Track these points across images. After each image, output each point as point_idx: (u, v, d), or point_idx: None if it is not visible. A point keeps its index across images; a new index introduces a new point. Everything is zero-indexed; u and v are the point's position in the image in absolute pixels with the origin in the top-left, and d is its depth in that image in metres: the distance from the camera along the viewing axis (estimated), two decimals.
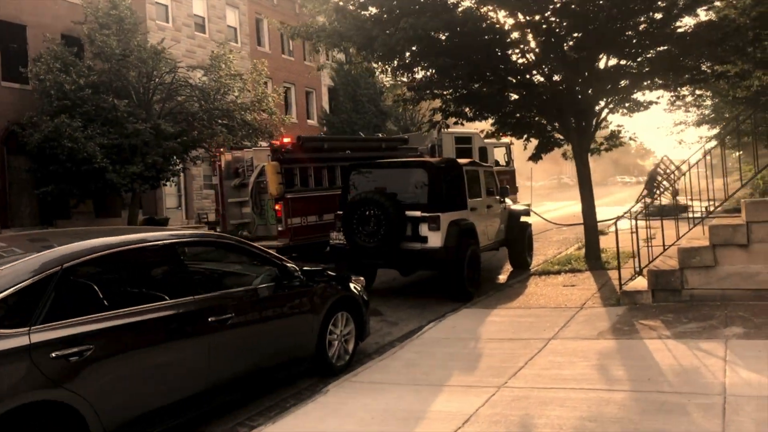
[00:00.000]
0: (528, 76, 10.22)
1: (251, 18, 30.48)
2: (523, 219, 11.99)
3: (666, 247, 7.66)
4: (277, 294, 5.30)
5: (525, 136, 11.44)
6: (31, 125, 18.42)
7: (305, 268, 6.08)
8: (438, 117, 11.24)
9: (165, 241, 4.72)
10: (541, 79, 10.40)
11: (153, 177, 19.77)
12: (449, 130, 15.99)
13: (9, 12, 19.80)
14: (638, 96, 11.16)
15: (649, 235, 8.57)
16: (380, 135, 23.16)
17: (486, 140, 15.30)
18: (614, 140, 11.54)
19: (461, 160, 10.12)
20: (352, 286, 6.52)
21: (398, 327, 7.92)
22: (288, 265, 5.42)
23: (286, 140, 13.09)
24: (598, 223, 11.04)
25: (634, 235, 8.03)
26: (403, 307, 9.02)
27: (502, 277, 11.36)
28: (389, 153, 15.25)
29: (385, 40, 8.28)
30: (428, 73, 9.46)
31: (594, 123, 10.73)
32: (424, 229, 8.90)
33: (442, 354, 5.99)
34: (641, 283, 7.51)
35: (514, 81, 10.45)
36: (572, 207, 22.88)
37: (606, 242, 11.29)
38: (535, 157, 11.64)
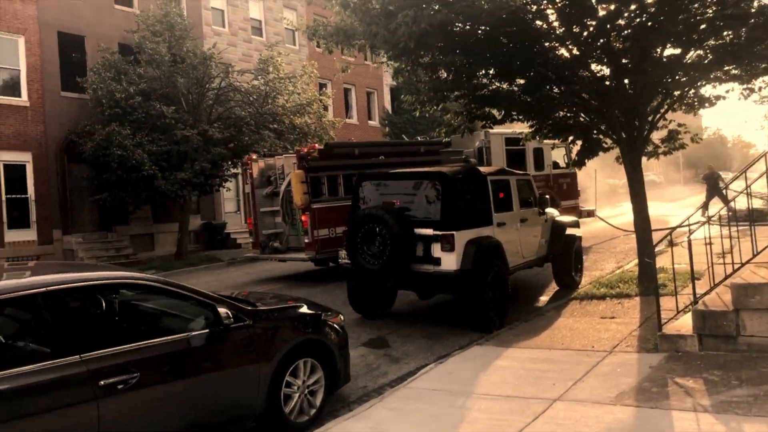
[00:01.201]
0: (567, 72, 8.87)
1: (309, 19, 29.95)
2: (570, 232, 10.61)
3: (731, 272, 6.18)
4: (207, 344, 4.46)
5: (569, 138, 10.04)
6: (85, 134, 18.77)
7: (260, 306, 5.24)
8: (451, 118, 10.03)
9: (60, 286, 3.98)
10: (585, 73, 8.99)
11: (202, 183, 19.68)
12: (498, 130, 14.72)
13: (68, 24, 20.27)
14: (704, 90, 9.49)
15: (724, 250, 6.94)
16: (420, 138, 22.01)
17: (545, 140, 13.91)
18: (673, 142, 9.91)
19: (485, 169, 8.93)
20: (327, 324, 5.61)
21: (398, 365, 6.92)
22: (221, 310, 4.57)
23: (312, 147, 12.35)
24: (661, 231, 9.42)
25: (707, 247, 6.46)
26: (415, 337, 8.00)
27: (543, 299, 10.05)
28: (428, 158, 14.21)
29: (386, 37, 7.28)
30: (446, 73, 8.32)
31: (647, 123, 9.21)
32: (436, 250, 7.83)
33: (420, 415, 4.96)
34: (688, 323, 6.10)
35: (554, 77, 9.12)
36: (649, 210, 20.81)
37: (676, 256, 9.61)
38: (579, 163, 10.20)
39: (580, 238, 10.92)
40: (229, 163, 20.41)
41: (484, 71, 8.36)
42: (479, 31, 8.25)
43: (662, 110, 9.33)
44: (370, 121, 33.08)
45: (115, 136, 17.82)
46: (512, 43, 8.41)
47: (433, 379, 5.85)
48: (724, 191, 20.37)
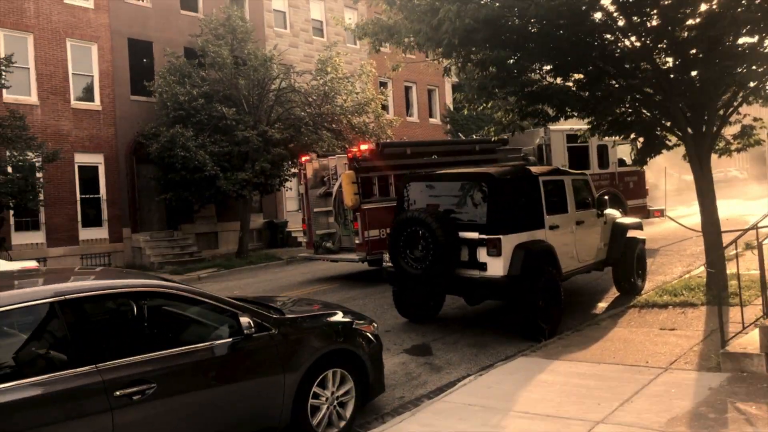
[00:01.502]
0: (628, 66, 8.30)
1: (370, 18, 30.02)
2: (631, 234, 9.98)
3: None
4: (227, 354, 4.37)
5: (630, 135, 9.41)
6: (151, 136, 19.45)
7: (288, 314, 5.12)
8: (502, 116, 9.59)
9: (81, 294, 3.98)
10: (647, 66, 8.38)
11: (262, 183, 20.00)
12: (559, 126, 14.13)
13: (137, 30, 21.06)
14: None
15: None
16: (475, 136, 21.50)
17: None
18: (747, 138, 9.09)
19: (537, 169, 8.49)
20: (359, 333, 5.43)
21: (439, 375, 6.66)
22: (243, 319, 4.46)
23: (363, 147, 12.22)
24: (732, 233, 8.68)
25: None
26: (461, 345, 7.71)
27: (601, 305, 9.50)
28: (484, 156, 13.81)
29: (429, 34, 7.01)
30: (495, 69, 7.91)
31: (717, 117, 8.49)
32: (482, 254, 7.50)
33: None
34: (755, 340, 5.52)
35: (613, 71, 8.57)
36: (727, 208, 19.48)
37: (753, 261, 8.83)
38: (640, 162, 9.54)
39: (643, 241, 10.26)
40: (289, 163, 20.64)
41: (536, 66, 7.92)
42: (529, 26, 7.84)
43: (735, 104, 8.58)
44: (431, 119, 32.71)
45: (178, 137, 18.37)
46: (566, 36, 7.95)
47: (471, 392, 5.56)
48: None
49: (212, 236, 23.05)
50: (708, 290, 8.53)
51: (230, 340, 4.42)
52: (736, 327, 6.08)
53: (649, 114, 8.76)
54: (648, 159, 9.29)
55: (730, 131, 9.37)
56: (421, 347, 7.73)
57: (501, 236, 7.40)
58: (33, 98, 18.45)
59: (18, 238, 17.94)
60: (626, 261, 9.74)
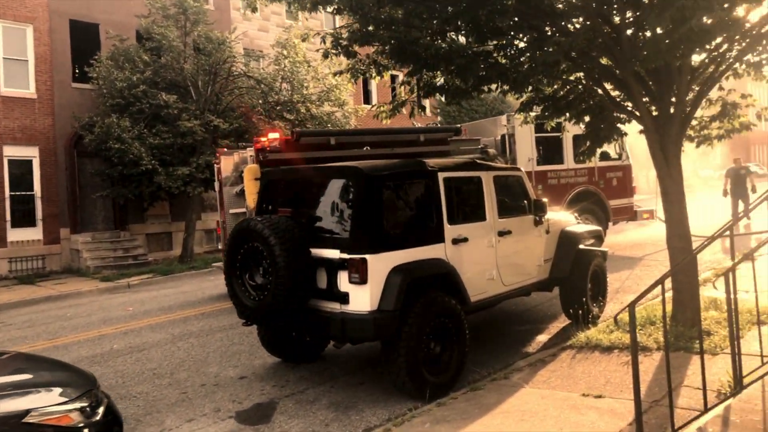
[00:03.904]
0: (565, 23, 6.09)
1: None
2: (585, 246, 7.78)
3: None
4: None
5: (570, 118, 7.18)
6: (87, 127, 17.64)
7: None
8: (401, 94, 7.46)
9: None
10: (591, 23, 6.13)
11: (208, 179, 18.04)
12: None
13: (80, 11, 19.21)
14: None
15: None
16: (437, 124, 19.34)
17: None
18: (729, 121, 6.81)
19: (437, 161, 6.31)
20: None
21: None
22: None
23: (272, 136, 10.12)
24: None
25: None
26: (318, 405, 5.61)
27: (540, 339, 7.32)
28: (432, 149, 11.60)
29: None
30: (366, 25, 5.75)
31: (689, 91, 6.25)
32: (343, 281, 5.38)
33: None
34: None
35: (549, 31, 6.36)
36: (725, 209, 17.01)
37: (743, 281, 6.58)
38: (588, 153, 7.34)
39: (602, 254, 8.06)
40: None
41: (427, 23, 5.73)
42: None
43: (711, 69, 6.31)
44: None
45: (113, 128, 16.53)
46: None
47: None
48: (750, 192, 16.36)
49: (165, 237, 21.16)
50: (674, 324, 6.34)
51: None
52: (691, 393, 3.94)
53: (599, 89, 6.54)
54: (597, 149, 7.08)
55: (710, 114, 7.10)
56: (263, 407, 5.64)
57: (368, 256, 5.27)
58: None
59: None
60: (576, 281, 7.57)
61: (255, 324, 5.88)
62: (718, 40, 5.59)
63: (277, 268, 5.29)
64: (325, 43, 6.25)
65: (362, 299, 5.29)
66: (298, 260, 5.37)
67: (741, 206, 16.64)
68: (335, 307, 5.44)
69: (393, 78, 7.10)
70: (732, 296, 4.30)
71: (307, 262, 5.44)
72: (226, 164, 11.86)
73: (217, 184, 12.07)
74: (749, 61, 6.42)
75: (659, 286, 4.05)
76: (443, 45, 5.52)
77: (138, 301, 12.21)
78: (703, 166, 45.11)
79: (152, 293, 13.35)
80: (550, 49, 5.57)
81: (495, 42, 6.32)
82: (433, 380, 5.52)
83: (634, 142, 14.69)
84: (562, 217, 8.14)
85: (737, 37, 5.85)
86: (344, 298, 5.36)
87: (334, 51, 6.23)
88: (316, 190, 5.99)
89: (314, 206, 5.91)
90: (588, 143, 7.25)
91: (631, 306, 3.78)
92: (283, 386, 6.13)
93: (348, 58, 6.28)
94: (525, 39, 6.27)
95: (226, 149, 12.36)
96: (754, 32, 5.85)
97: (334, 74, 7.22)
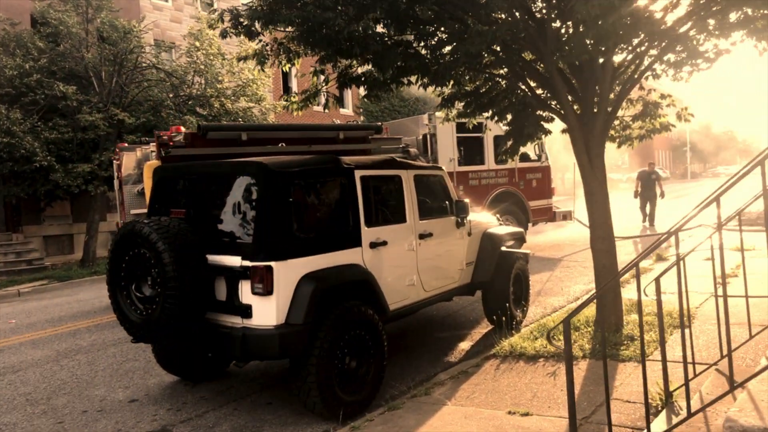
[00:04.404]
0: (488, 15, 5.73)
1: None
2: (507, 248, 7.51)
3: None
4: None
5: (492, 116, 6.88)
6: None
7: None
8: (313, 85, 6.97)
9: None
10: (518, 14, 5.81)
11: (111, 177, 16.72)
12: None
13: None
14: (703, 42, 6.25)
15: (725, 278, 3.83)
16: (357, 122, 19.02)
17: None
18: (650, 121, 6.73)
19: (353, 159, 5.82)
20: None
21: None
22: None
23: (176, 130, 9.27)
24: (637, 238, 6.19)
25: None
26: (218, 430, 4.95)
27: (462, 346, 6.95)
28: (351, 146, 11.08)
29: None
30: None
31: (611, 89, 6.06)
32: (245, 292, 4.76)
33: None
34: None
35: (471, 23, 5.97)
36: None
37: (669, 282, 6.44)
38: (511, 152, 7.09)
39: (524, 256, 7.82)
40: None
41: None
42: None
43: (632, 69, 6.15)
44: (342, 109, 29.92)
45: (2, 120, 14.95)
46: None
47: None
48: (659, 197, 17.29)
49: (66, 239, 19.54)
50: (596, 330, 6.14)
51: None
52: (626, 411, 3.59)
53: (522, 85, 6.24)
54: (519, 148, 6.80)
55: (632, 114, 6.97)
56: None
57: (273, 263, 4.67)
58: None
59: None
60: (498, 284, 7.27)
61: (143, 342, 5.14)
62: (641, 36, 5.40)
63: (167, 278, 4.60)
64: (223, 22, 5.58)
65: (267, 312, 4.69)
66: (192, 268, 4.70)
67: (648, 208, 17.32)
68: (236, 321, 4.81)
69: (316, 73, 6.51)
70: (660, 301, 4.04)
71: (203, 271, 4.78)
72: (127, 161, 10.86)
73: (116, 182, 11.03)
74: (669, 61, 6.34)
75: (593, 294, 3.70)
76: (359, 28, 5.01)
77: (24, 311, 10.95)
78: (610, 170, 46.98)
79: (43, 302, 12.08)
80: (473, 40, 5.18)
81: (415, 32, 5.89)
82: (347, 399, 5.00)
83: (550, 145, 14.82)
84: (483, 218, 7.84)
85: (656, 36, 5.71)
86: (246, 311, 4.74)
87: (233, 30, 5.58)
88: (216, 189, 5.32)
89: (213, 207, 5.25)
90: (511, 141, 6.97)
91: (566, 322, 3.41)
92: (179, 409, 5.42)
93: (250, 39, 5.65)
94: (446, 31, 5.86)
95: (127, 144, 11.33)
96: (671, 33, 5.72)
97: (239, 60, 6.51)
